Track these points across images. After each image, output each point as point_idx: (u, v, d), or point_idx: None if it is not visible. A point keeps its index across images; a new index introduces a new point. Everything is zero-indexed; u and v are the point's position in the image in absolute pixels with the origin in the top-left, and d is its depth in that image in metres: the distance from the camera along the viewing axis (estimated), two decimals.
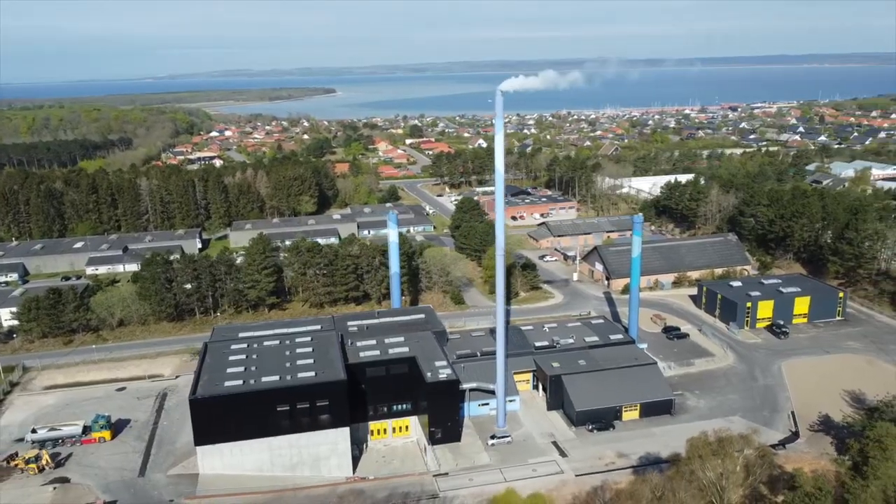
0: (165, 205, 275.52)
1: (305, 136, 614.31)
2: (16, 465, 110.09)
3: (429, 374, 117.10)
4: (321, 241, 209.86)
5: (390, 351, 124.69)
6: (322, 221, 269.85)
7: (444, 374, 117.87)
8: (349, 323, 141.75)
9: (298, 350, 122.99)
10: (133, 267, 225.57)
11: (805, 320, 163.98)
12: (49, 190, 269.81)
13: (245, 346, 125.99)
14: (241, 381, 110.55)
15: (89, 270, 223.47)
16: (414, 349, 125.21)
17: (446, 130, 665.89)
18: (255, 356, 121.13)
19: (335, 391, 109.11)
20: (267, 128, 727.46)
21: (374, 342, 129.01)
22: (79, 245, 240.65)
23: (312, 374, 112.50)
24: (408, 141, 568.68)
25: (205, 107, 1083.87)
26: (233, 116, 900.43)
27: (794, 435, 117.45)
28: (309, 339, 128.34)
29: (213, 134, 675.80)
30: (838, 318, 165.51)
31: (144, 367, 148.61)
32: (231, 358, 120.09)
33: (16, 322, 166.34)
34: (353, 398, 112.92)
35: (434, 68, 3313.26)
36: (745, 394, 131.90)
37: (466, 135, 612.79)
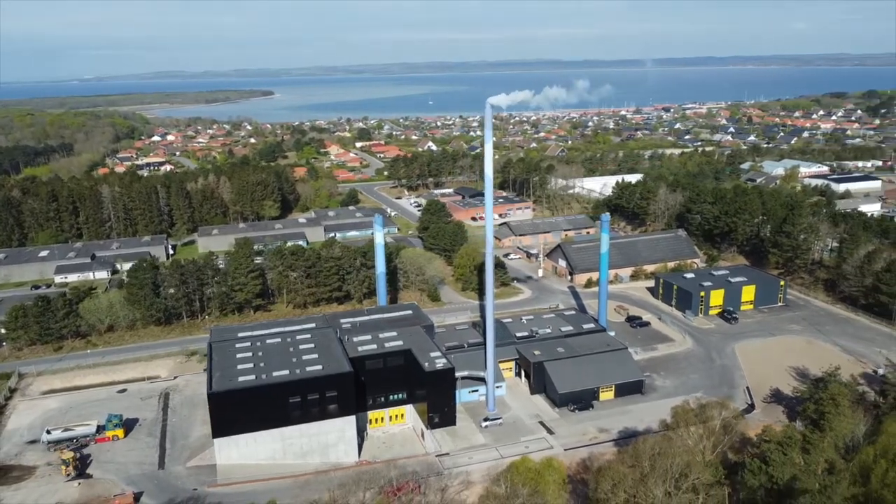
0: (128, 212, 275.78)
1: (252, 140, 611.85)
2: (59, 455, 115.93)
3: (426, 365, 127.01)
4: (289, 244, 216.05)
5: (386, 345, 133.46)
6: (288, 225, 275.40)
7: (440, 363, 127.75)
8: (342, 320, 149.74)
9: (301, 346, 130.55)
10: (102, 274, 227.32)
11: (752, 307, 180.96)
12: (7, 198, 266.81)
13: (249, 344, 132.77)
14: (253, 377, 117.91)
15: (58, 279, 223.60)
16: (408, 342, 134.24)
17: (393, 133, 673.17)
18: (261, 353, 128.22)
19: (343, 382, 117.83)
20: (209, 131, 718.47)
21: (369, 337, 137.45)
22: (44, 254, 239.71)
23: (320, 367, 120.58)
24: (358, 144, 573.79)
25: (139, 110, 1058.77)
26: (170, 120, 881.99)
27: (751, 407, 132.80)
28: (309, 336, 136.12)
29: (156, 138, 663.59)
30: (780, 304, 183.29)
31: (140, 370, 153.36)
32: (238, 356, 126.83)
33: (1, 330, 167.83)
34: (355, 389, 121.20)
35: (371, 70, 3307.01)
36: (704, 373, 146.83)
37: (414, 137, 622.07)
